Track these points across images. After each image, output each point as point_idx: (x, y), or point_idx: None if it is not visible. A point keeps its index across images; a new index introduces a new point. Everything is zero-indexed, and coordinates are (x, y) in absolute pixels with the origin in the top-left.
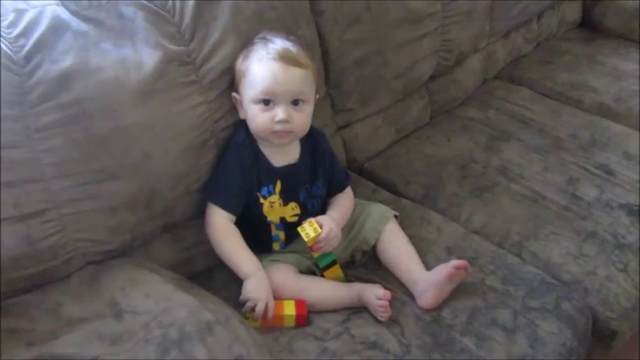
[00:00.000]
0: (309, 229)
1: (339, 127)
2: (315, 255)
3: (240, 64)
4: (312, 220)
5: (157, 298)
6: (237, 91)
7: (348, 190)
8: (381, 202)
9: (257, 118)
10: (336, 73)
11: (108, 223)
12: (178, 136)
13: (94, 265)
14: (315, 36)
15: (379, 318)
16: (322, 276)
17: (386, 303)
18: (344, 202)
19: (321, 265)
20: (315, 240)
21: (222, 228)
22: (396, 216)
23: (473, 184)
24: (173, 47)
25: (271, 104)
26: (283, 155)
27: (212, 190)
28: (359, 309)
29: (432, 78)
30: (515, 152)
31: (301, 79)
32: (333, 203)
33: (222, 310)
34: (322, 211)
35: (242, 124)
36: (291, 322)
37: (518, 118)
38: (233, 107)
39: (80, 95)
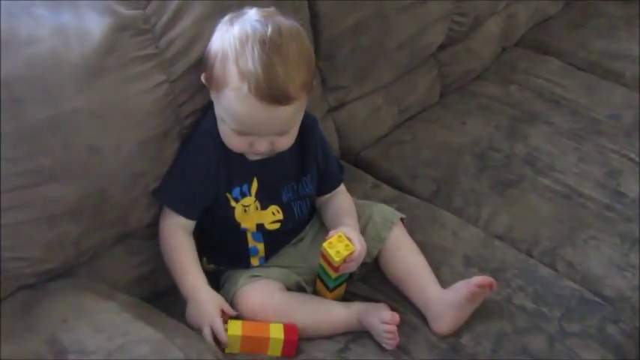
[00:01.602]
0: (339, 246)
1: (331, 109)
2: (334, 275)
3: (211, 58)
4: (341, 233)
5: (110, 332)
6: (205, 75)
7: (343, 188)
8: (382, 200)
9: (229, 138)
10: (327, 43)
11: (45, 237)
12: (134, 124)
13: (27, 289)
14: None
15: (385, 346)
16: (316, 294)
17: (393, 328)
18: (350, 205)
19: (333, 285)
20: (346, 259)
21: (171, 236)
22: (402, 219)
23: (494, 177)
24: (126, 12)
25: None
26: None
27: (166, 190)
28: (359, 334)
29: (442, 47)
30: (543, 138)
31: (291, 115)
32: (339, 208)
33: (193, 344)
34: (310, 215)
35: (211, 109)
36: (277, 350)
37: (546, 96)
38: (203, 86)
39: (7, 75)
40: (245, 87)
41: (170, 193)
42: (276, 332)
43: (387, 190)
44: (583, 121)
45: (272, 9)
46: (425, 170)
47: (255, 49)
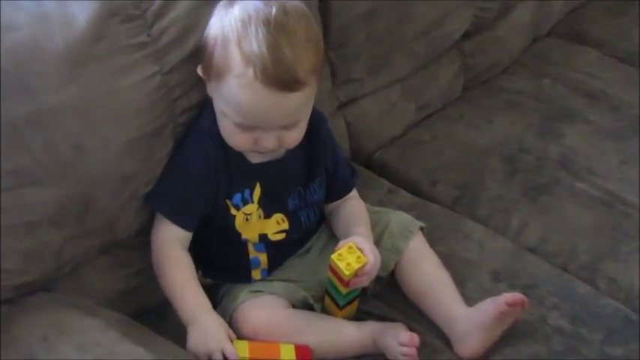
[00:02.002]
0: (349, 258)
1: (341, 105)
2: (344, 291)
3: (210, 45)
4: (352, 244)
5: (94, 352)
6: (202, 67)
7: (356, 194)
8: (399, 207)
9: (232, 136)
10: (337, 30)
11: (23, 246)
12: (123, 121)
13: (4, 305)
14: None
15: None
16: (324, 311)
17: (413, 350)
18: (363, 212)
19: (343, 302)
20: (358, 273)
21: (165, 250)
22: (421, 228)
23: (524, 182)
24: None
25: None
26: None
27: (159, 194)
28: (374, 357)
29: (466, 36)
30: (580, 138)
31: (300, 104)
32: (350, 215)
33: None
34: (319, 224)
35: (209, 104)
36: None
37: (583, 91)
38: (199, 80)
39: None
40: (250, 72)
41: (164, 198)
42: (288, 354)
43: (405, 195)
44: (625, 119)
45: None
46: (447, 174)
47: (259, 30)
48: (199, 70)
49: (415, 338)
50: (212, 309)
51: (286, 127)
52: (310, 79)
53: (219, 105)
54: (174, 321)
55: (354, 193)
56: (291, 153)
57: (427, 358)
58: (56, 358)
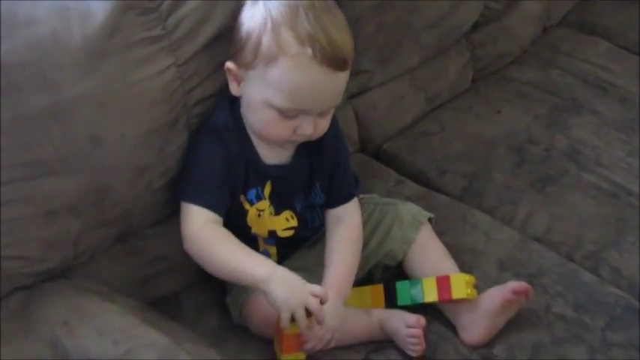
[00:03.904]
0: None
1: (351, 96)
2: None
3: (256, 33)
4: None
5: (114, 336)
6: (236, 62)
7: (355, 208)
8: (407, 198)
9: (271, 126)
10: (348, 22)
11: (43, 234)
12: (139, 113)
13: (23, 290)
14: None
15: (410, 353)
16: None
17: (419, 332)
18: (348, 243)
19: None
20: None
21: (210, 232)
22: (430, 219)
23: (532, 173)
24: None
25: (296, 116)
26: (277, 150)
27: (187, 186)
28: (382, 343)
29: (476, 27)
30: (588, 129)
31: (343, 84)
32: (334, 246)
33: (203, 351)
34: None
35: (224, 99)
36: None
37: (592, 82)
38: (214, 71)
39: (5, 59)
40: (308, 51)
41: (195, 188)
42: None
43: (413, 186)
44: (633, 111)
45: None
46: (455, 165)
47: (308, 12)
48: (230, 65)
49: (422, 319)
50: (277, 265)
51: (322, 115)
52: (351, 59)
53: (260, 94)
54: (186, 310)
55: (353, 206)
56: (295, 159)
57: (434, 345)
58: (77, 342)
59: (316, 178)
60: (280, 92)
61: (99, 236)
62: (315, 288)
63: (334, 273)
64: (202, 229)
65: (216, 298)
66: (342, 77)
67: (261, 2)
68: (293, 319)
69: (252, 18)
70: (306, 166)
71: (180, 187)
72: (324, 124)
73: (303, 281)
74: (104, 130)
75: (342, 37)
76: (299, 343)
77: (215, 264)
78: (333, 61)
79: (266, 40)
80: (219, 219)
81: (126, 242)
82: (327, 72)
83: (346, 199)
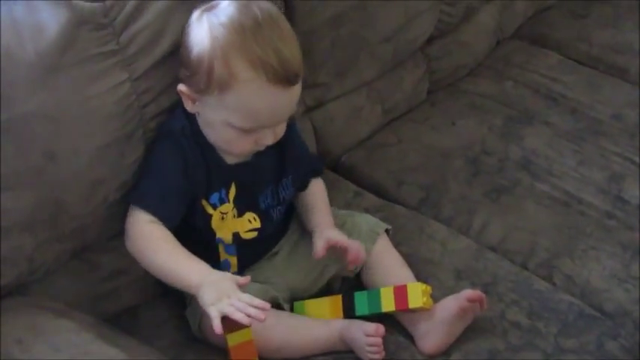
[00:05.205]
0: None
1: (308, 109)
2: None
3: (206, 60)
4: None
5: (69, 353)
6: (189, 86)
7: (320, 181)
8: (365, 210)
9: (233, 142)
10: (303, 36)
11: None
12: (93, 128)
13: None
14: None
15: None
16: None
17: (378, 340)
18: (323, 195)
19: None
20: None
21: (155, 231)
22: (387, 230)
23: (486, 183)
24: (84, 4)
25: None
26: None
27: (139, 193)
28: (342, 353)
29: (431, 40)
30: (541, 140)
31: (298, 94)
32: (313, 202)
33: None
34: (288, 223)
35: (179, 108)
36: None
37: (544, 94)
38: (169, 85)
39: None
40: (262, 75)
41: (146, 195)
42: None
43: (371, 198)
44: (584, 121)
45: None
46: (412, 176)
47: (255, 34)
48: (182, 88)
49: (381, 328)
50: (213, 269)
51: (281, 121)
52: (302, 70)
53: (219, 116)
54: (146, 324)
55: (319, 181)
56: (263, 153)
57: (391, 354)
58: (32, 358)
59: (287, 171)
60: (239, 114)
61: (54, 252)
62: (245, 296)
63: (323, 219)
64: (147, 226)
65: (175, 312)
66: (296, 89)
67: (205, 22)
68: (234, 330)
69: (201, 43)
70: (273, 159)
71: (138, 194)
72: (282, 129)
73: (234, 287)
74: (58, 145)
75: (292, 52)
76: (247, 353)
77: (153, 263)
78: (286, 78)
79: (218, 68)
80: (169, 227)
81: (82, 257)
82: (281, 90)
83: (314, 174)
